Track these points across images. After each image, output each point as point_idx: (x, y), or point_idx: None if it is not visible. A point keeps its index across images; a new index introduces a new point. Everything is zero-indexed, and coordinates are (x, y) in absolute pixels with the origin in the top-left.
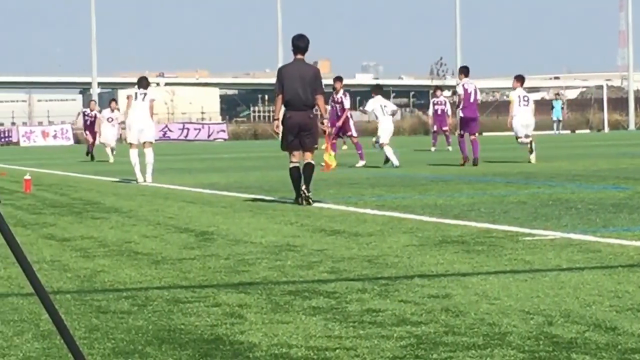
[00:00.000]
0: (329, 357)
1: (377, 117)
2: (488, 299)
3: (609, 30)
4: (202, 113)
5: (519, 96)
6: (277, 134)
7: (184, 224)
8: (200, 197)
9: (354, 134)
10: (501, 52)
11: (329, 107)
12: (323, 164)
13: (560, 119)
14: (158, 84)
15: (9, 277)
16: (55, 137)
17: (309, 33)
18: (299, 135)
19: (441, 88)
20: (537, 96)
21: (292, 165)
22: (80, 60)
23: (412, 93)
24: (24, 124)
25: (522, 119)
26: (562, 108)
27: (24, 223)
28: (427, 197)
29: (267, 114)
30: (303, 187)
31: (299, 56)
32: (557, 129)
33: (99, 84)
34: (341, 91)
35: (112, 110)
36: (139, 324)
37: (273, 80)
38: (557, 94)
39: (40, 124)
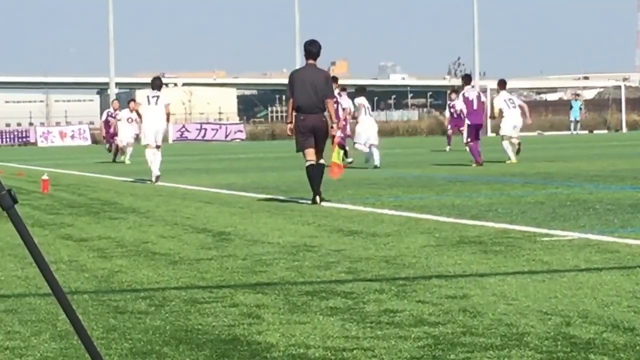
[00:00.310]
0: (347, 358)
1: (356, 117)
2: (506, 299)
3: (627, 31)
4: (220, 113)
5: (505, 100)
6: (291, 136)
7: (202, 224)
8: (218, 197)
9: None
10: (518, 52)
11: None
12: (329, 165)
13: (578, 119)
14: (176, 84)
15: (26, 278)
16: (72, 137)
17: (326, 33)
18: (313, 136)
19: (457, 90)
20: (555, 96)
21: (308, 163)
22: (98, 60)
23: (429, 93)
24: (42, 124)
25: (512, 120)
26: (581, 108)
27: (41, 223)
28: (444, 198)
29: (284, 114)
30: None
31: (311, 61)
32: (575, 129)
33: (117, 84)
34: (336, 91)
35: (131, 111)
36: (157, 324)
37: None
38: (576, 94)
39: (57, 124)
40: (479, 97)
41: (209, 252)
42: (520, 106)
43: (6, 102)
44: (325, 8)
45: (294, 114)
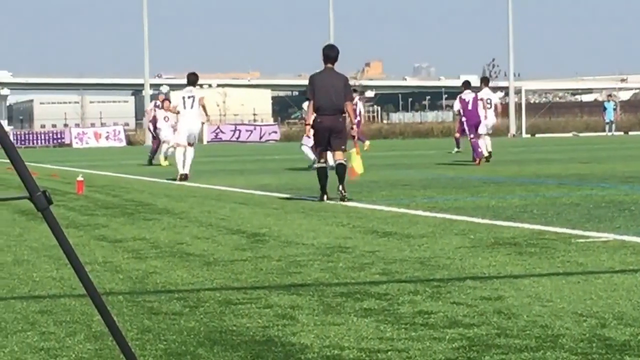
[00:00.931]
0: (381, 359)
1: None
2: (540, 301)
3: None
4: (254, 114)
5: (482, 98)
6: (309, 137)
7: (236, 225)
8: (252, 198)
9: None
10: (553, 53)
11: None
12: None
13: (613, 120)
14: (210, 85)
15: (61, 279)
16: (107, 138)
17: (360, 34)
18: (329, 138)
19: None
20: (591, 98)
21: (319, 165)
22: (133, 62)
23: None
24: (77, 125)
25: (488, 120)
26: (615, 109)
27: (76, 224)
28: (479, 199)
29: None
30: (340, 187)
31: (329, 65)
32: (610, 131)
33: (151, 85)
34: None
35: (167, 110)
36: (191, 325)
37: None
38: (610, 95)
39: (92, 125)
40: (475, 98)
41: (243, 253)
42: (495, 105)
43: (41, 103)
44: (360, 9)
45: (312, 115)
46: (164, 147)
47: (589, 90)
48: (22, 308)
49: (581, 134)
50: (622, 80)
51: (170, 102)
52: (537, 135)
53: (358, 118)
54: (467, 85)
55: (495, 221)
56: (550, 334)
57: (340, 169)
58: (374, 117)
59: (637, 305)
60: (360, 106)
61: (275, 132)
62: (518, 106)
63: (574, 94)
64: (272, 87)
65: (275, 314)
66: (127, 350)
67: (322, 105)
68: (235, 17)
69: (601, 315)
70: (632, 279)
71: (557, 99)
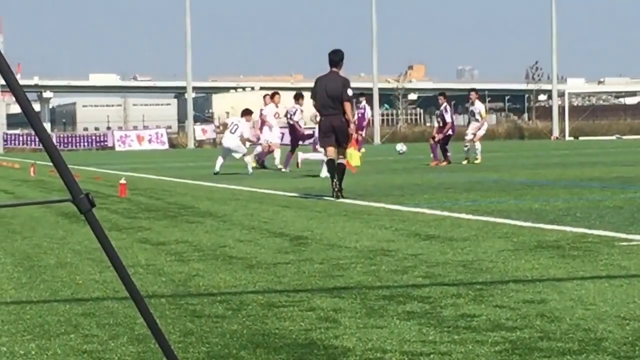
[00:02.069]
0: None
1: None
2: (583, 304)
3: None
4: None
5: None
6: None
7: (279, 228)
8: (295, 201)
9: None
10: (596, 55)
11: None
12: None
13: None
14: (253, 88)
15: (104, 281)
16: (150, 141)
17: (404, 37)
18: (334, 135)
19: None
20: (634, 100)
21: (327, 158)
22: (175, 64)
23: (507, 97)
24: (120, 128)
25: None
26: None
27: (119, 227)
28: (522, 202)
29: (357, 116)
30: (336, 183)
31: (334, 69)
32: None
33: (194, 88)
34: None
35: (277, 105)
36: (234, 328)
37: (368, 84)
38: None
39: (135, 128)
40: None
41: (286, 256)
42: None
43: (84, 106)
44: (403, 12)
45: (317, 116)
46: (258, 148)
47: (633, 93)
48: (65, 311)
49: (624, 137)
50: None
51: (279, 95)
52: (580, 138)
53: (365, 121)
54: (443, 95)
55: (538, 224)
56: (593, 337)
57: (341, 169)
58: (416, 119)
59: None
60: (368, 110)
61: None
62: (561, 109)
63: (617, 97)
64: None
65: (317, 316)
66: (169, 353)
67: (323, 107)
68: (278, 21)
69: None
70: None
71: (601, 101)
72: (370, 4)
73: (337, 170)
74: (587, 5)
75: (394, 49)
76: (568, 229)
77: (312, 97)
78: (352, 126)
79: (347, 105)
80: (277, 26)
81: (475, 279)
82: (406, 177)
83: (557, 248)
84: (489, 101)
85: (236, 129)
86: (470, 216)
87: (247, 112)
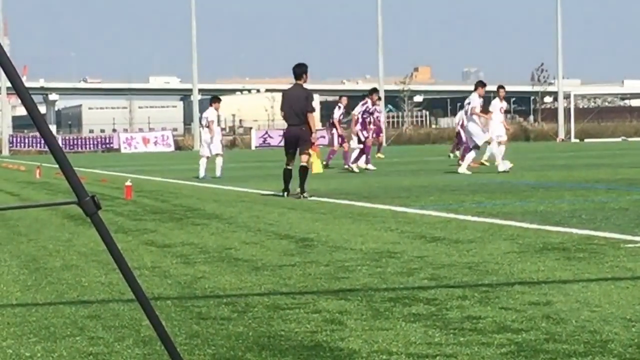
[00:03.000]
0: None
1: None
2: (589, 306)
3: None
4: None
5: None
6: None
7: (284, 230)
8: (301, 203)
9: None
10: (601, 57)
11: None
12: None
13: None
14: (258, 91)
15: (110, 283)
16: (155, 143)
17: (409, 39)
18: (295, 145)
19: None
20: None
21: (286, 167)
22: (182, 67)
23: (512, 99)
24: (125, 130)
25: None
26: None
27: (124, 229)
28: (527, 204)
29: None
30: (300, 186)
31: (298, 81)
32: None
33: (200, 90)
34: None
35: (340, 108)
36: (239, 330)
37: (374, 86)
38: None
39: (140, 130)
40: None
41: (291, 259)
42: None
43: (89, 108)
44: (409, 14)
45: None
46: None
47: (638, 95)
48: (71, 313)
49: (630, 139)
50: None
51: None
52: (586, 140)
53: (375, 126)
54: (375, 92)
55: (544, 226)
56: (599, 339)
57: (302, 171)
58: (422, 122)
59: None
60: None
61: (324, 137)
62: (567, 111)
63: (622, 99)
64: (320, 92)
65: (323, 319)
66: (175, 355)
67: (287, 118)
68: (283, 23)
69: None
70: None
71: (606, 103)
72: (375, 5)
73: (300, 173)
74: (593, 7)
75: (400, 51)
76: (574, 230)
77: (281, 108)
78: (314, 135)
79: (310, 117)
80: (283, 29)
81: (481, 281)
82: (412, 179)
83: (563, 250)
84: None
85: (206, 121)
86: (475, 218)
87: (215, 100)
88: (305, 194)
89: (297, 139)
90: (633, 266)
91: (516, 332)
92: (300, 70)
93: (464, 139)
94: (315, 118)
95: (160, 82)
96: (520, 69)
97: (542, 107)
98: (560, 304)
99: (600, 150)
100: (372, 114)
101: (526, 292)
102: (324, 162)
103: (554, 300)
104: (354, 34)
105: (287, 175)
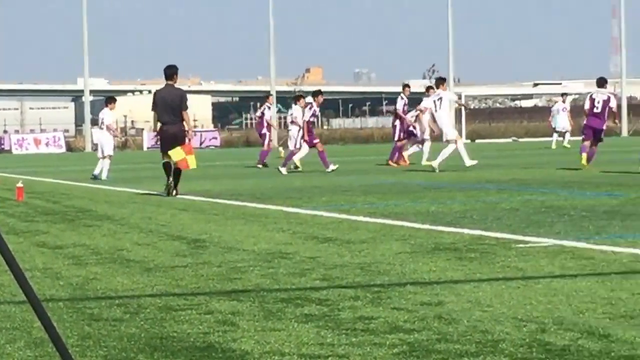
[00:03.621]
0: None
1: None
2: (480, 306)
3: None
4: (194, 120)
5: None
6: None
7: (176, 231)
8: (193, 204)
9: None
10: (493, 58)
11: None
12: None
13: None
14: (150, 91)
15: (1, 285)
16: (47, 144)
17: (301, 40)
18: (172, 142)
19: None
20: (530, 103)
21: (164, 161)
22: (72, 68)
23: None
24: (16, 131)
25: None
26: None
27: (16, 231)
28: (419, 204)
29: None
30: (171, 182)
31: (169, 82)
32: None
33: (91, 91)
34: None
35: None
36: (131, 331)
37: (266, 87)
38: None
39: (32, 131)
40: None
41: (183, 260)
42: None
43: None
44: (300, 15)
45: (159, 124)
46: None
47: (529, 96)
48: None
49: (521, 139)
50: (557, 84)
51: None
52: (477, 141)
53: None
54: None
55: (436, 226)
56: (491, 339)
57: (177, 171)
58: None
59: (576, 310)
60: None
61: (216, 138)
62: (458, 111)
63: (513, 100)
64: (212, 92)
65: (215, 320)
66: (67, 356)
67: (164, 118)
68: (175, 23)
69: (541, 320)
70: (572, 283)
71: (497, 104)
72: (267, 7)
73: (174, 172)
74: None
75: (292, 52)
76: (465, 231)
77: (153, 109)
78: (190, 133)
79: (185, 115)
80: (176, 29)
81: (373, 282)
82: (305, 179)
83: (454, 250)
84: (386, 104)
85: (102, 121)
86: (367, 219)
87: (110, 100)
88: (177, 192)
89: (174, 137)
90: (524, 266)
91: (408, 332)
92: (171, 71)
93: (417, 133)
94: (189, 116)
95: (103, 83)
96: (411, 71)
97: None
98: (451, 304)
99: (491, 151)
100: (317, 117)
101: (418, 292)
102: (262, 163)
103: (446, 301)
104: (246, 35)
105: (167, 168)
